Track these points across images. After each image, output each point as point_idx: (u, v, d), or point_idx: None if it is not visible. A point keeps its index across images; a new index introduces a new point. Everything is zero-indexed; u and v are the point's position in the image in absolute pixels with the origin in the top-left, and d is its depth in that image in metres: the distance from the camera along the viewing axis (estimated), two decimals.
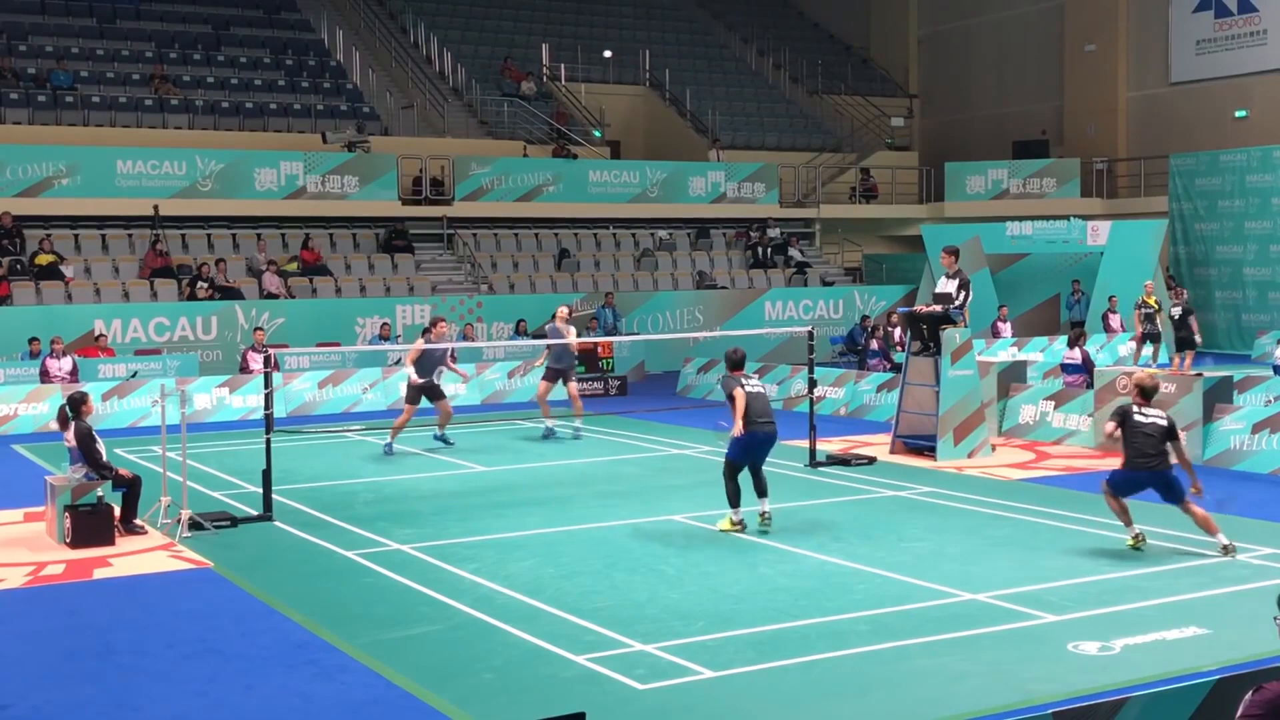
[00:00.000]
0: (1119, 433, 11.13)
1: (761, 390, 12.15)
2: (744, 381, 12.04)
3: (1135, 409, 11.17)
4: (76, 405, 12.54)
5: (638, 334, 27.23)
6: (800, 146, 37.38)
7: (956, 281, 16.23)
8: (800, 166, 35.84)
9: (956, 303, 16.14)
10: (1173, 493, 10.99)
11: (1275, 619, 4.80)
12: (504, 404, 23.11)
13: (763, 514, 12.12)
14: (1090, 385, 17.93)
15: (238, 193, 27.85)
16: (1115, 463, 15.79)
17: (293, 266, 27.42)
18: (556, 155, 32.47)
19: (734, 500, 11.97)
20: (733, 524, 11.95)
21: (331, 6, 36.35)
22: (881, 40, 44.12)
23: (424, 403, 17.58)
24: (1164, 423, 11.06)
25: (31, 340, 22.46)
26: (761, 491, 12.17)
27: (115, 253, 27.13)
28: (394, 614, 9.60)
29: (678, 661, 8.32)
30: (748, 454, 12.01)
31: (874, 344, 25.46)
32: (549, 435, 18.54)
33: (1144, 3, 36.26)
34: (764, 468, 12.24)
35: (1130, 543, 11.14)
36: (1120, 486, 11.20)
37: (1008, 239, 30.58)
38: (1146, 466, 10.97)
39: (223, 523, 12.66)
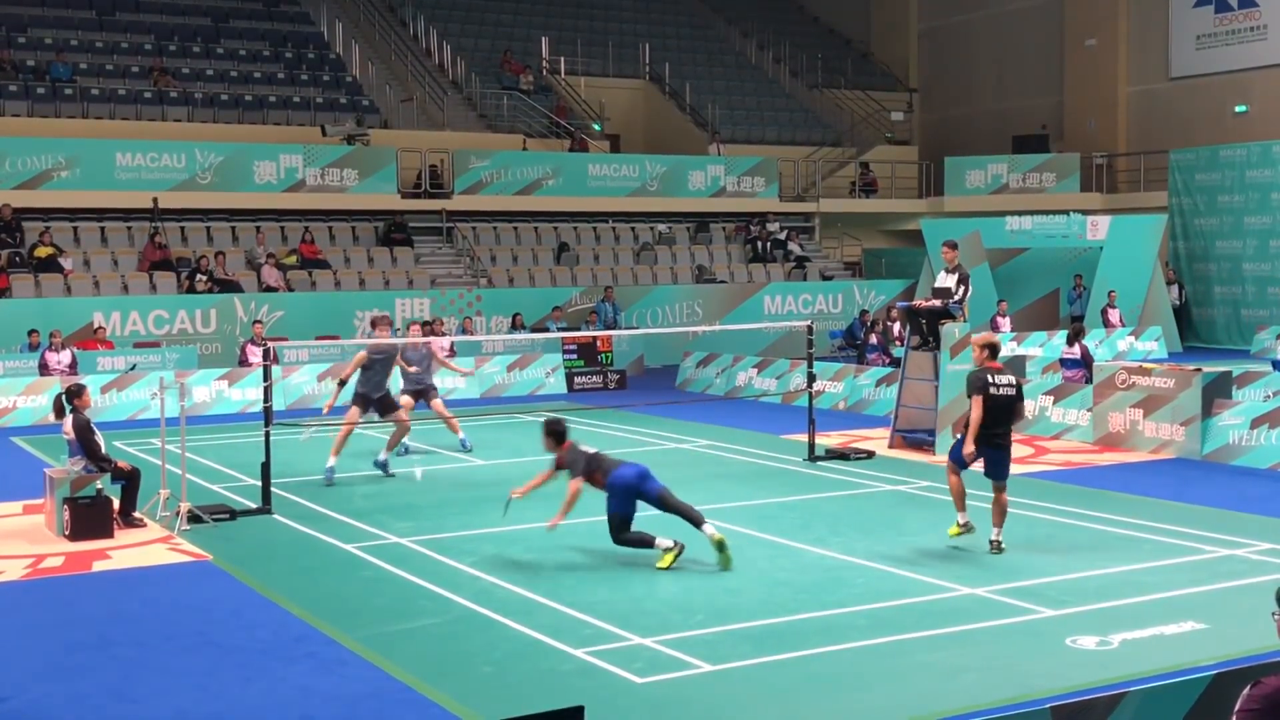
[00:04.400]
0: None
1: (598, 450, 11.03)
2: (582, 447, 11.01)
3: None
4: (72, 397, 12.53)
5: (637, 328, 27.23)
6: (800, 141, 37.36)
7: (956, 276, 16.22)
8: (800, 161, 35.82)
9: (956, 297, 16.13)
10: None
11: (1273, 614, 4.81)
12: (503, 397, 23.12)
13: (714, 538, 10.59)
14: (1089, 380, 17.94)
15: (237, 185, 27.82)
16: (1116, 458, 15.87)
17: (292, 260, 27.41)
18: (572, 150, 32.43)
19: (648, 540, 10.61)
20: (670, 552, 10.50)
21: None
22: (882, 35, 44.08)
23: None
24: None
25: (30, 332, 22.47)
26: (697, 520, 10.69)
27: (114, 245, 27.11)
28: (393, 607, 9.60)
29: (676, 655, 8.33)
30: (631, 500, 10.69)
31: (873, 338, 25.45)
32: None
33: None
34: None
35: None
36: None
37: (1007, 234, 30.59)
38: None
39: (221, 516, 12.66)
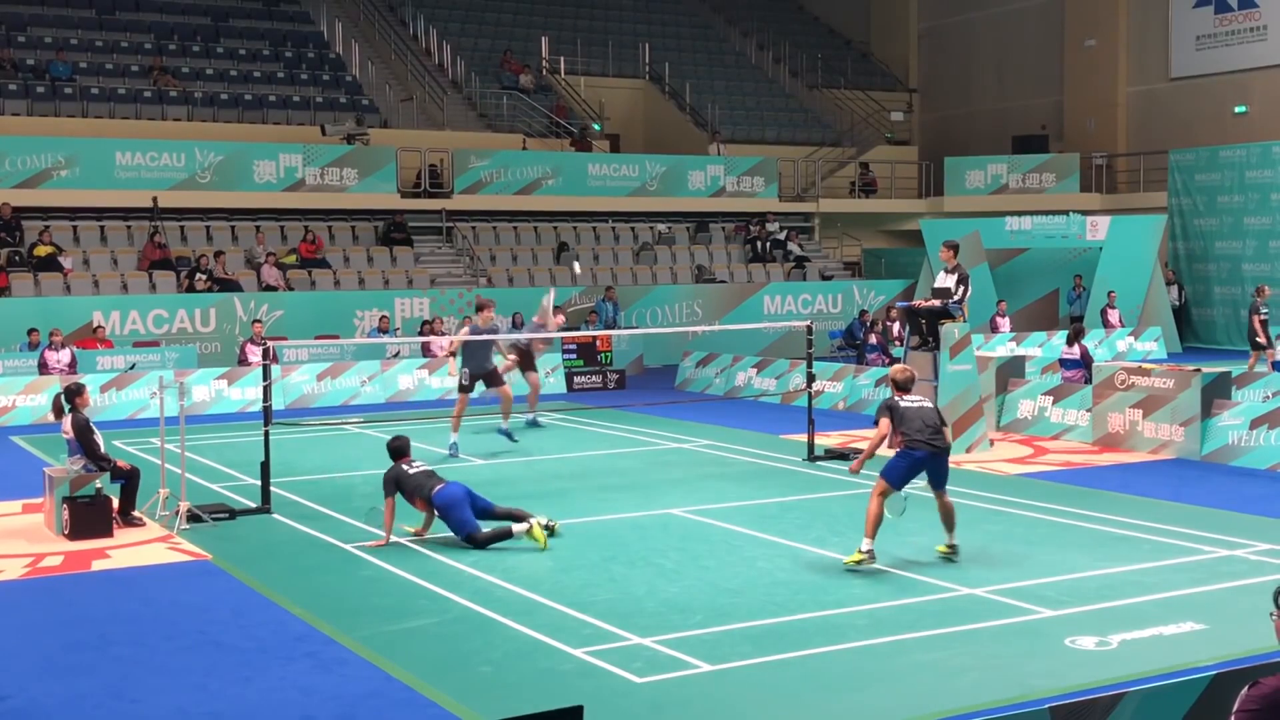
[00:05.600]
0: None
1: (422, 465, 11.80)
2: (406, 466, 11.66)
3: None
4: (72, 396, 12.53)
5: (636, 328, 27.23)
6: (800, 141, 37.35)
7: (955, 276, 16.24)
8: (800, 160, 35.81)
9: (955, 297, 16.14)
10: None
11: (1271, 615, 4.81)
12: None
13: (544, 524, 11.62)
14: (1089, 380, 17.94)
15: (236, 185, 27.83)
16: (1115, 458, 15.87)
17: (291, 259, 27.41)
18: (577, 149, 32.42)
19: (505, 532, 11.45)
20: (537, 527, 11.37)
21: None
22: (882, 34, 44.08)
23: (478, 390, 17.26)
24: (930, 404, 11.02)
25: (30, 331, 22.46)
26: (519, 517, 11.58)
27: (114, 244, 27.11)
28: (393, 607, 9.61)
29: (676, 655, 8.33)
30: (460, 513, 11.37)
31: (872, 338, 25.45)
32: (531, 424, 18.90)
33: None
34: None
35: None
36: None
37: (1007, 234, 30.60)
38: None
39: (221, 515, 12.66)
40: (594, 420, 19.75)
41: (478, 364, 16.88)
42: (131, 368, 21.75)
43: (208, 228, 28.21)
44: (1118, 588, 9.80)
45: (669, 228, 32.95)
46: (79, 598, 10.10)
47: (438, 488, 11.46)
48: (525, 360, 18.68)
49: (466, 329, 17.27)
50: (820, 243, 35.34)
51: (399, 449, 11.87)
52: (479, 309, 17.51)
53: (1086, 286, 30.17)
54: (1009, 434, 17.82)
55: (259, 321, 23.85)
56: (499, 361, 17.51)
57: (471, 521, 11.34)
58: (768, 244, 32.99)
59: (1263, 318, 22.87)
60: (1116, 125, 36.69)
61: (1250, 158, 31.15)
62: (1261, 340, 22.71)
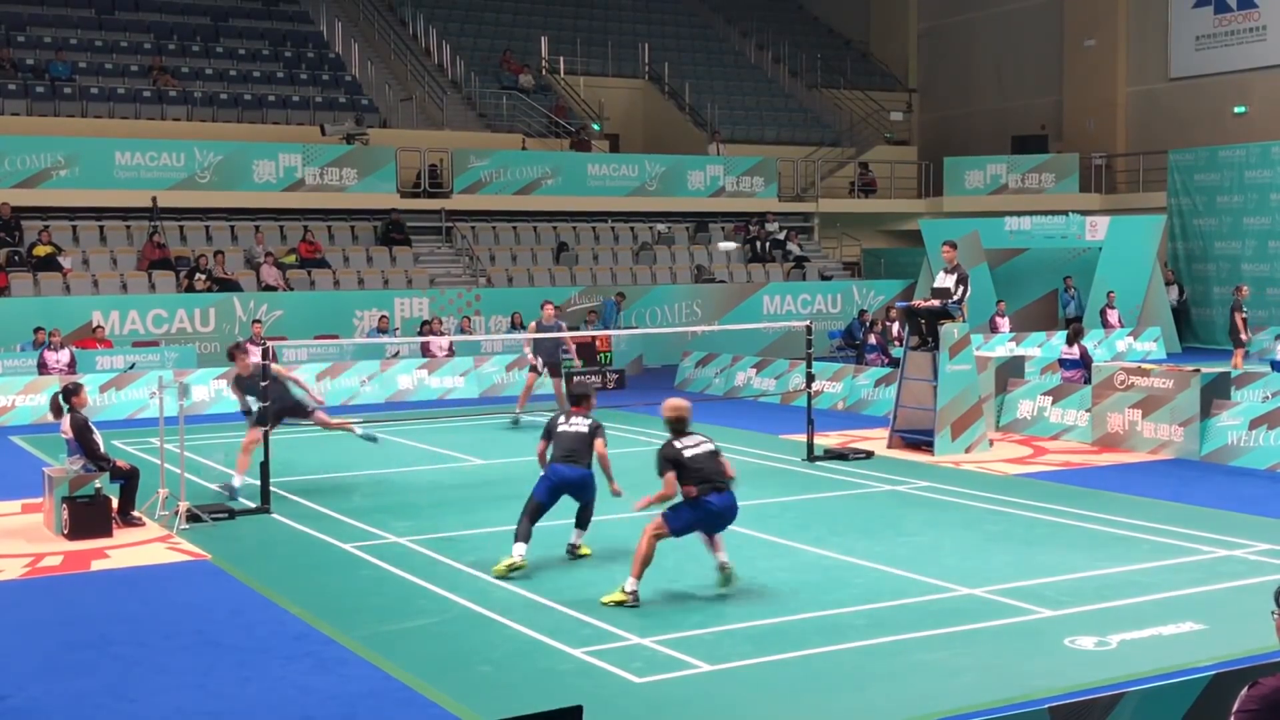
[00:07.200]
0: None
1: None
2: (561, 421, 10.96)
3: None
4: (69, 396, 12.53)
5: (635, 328, 27.22)
6: (799, 141, 37.36)
7: (955, 276, 16.25)
8: (799, 160, 35.82)
9: (955, 297, 16.15)
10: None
11: (1272, 614, 4.81)
12: (502, 396, 23.10)
13: (573, 546, 11.03)
14: (1088, 381, 17.94)
15: (236, 185, 27.82)
16: (1115, 458, 15.87)
17: (291, 259, 27.40)
18: (575, 149, 32.42)
19: (522, 535, 10.42)
20: (509, 566, 10.31)
21: None
22: (881, 34, 44.09)
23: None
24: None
25: (36, 330, 22.39)
26: (581, 522, 10.99)
27: (113, 244, 27.11)
28: (392, 606, 9.61)
29: (675, 655, 8.33)
30: (553, 495, 10.65)
31: (872, 339, 25.44)
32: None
33: None
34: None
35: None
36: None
37: (1006, 234, 30.60)
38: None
39: (220, 515, 12.66)
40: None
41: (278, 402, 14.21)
42: (131, 368, 21.72)
43: (207, 228, 28.21)
44: (1117, 588, 9.81)
45: (668, 228, 32.96)
46: (78, 597, 10.10)
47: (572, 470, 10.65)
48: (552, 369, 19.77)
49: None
50: (820, 243, 35.35)
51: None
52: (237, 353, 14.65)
53: (1078, 287, 30.17)
54: (1008, 434, 17.82)
55: (259, 321, 23.84)
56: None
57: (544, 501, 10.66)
58: (767, 244, 32.99)
59: (1243, 316, 23.71)
60: (1116, 125, 36.69)
61: (1249, 158, 31.15)
62: (1244, 338, 23.73)
